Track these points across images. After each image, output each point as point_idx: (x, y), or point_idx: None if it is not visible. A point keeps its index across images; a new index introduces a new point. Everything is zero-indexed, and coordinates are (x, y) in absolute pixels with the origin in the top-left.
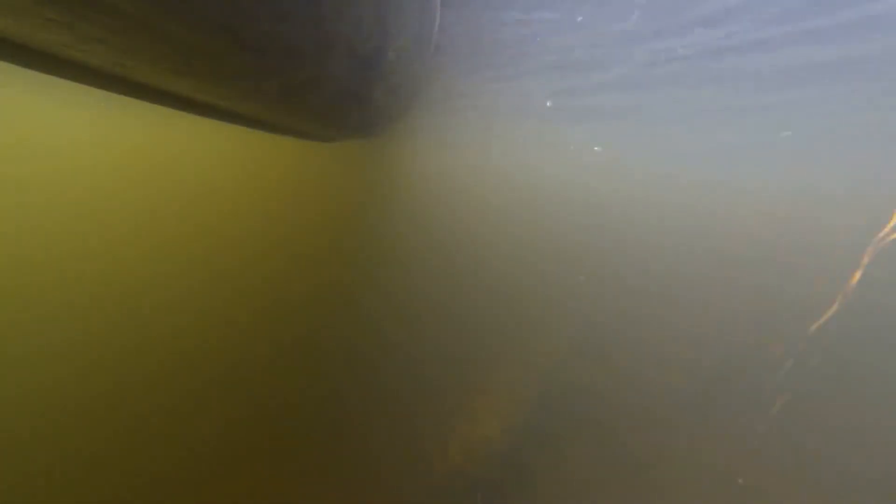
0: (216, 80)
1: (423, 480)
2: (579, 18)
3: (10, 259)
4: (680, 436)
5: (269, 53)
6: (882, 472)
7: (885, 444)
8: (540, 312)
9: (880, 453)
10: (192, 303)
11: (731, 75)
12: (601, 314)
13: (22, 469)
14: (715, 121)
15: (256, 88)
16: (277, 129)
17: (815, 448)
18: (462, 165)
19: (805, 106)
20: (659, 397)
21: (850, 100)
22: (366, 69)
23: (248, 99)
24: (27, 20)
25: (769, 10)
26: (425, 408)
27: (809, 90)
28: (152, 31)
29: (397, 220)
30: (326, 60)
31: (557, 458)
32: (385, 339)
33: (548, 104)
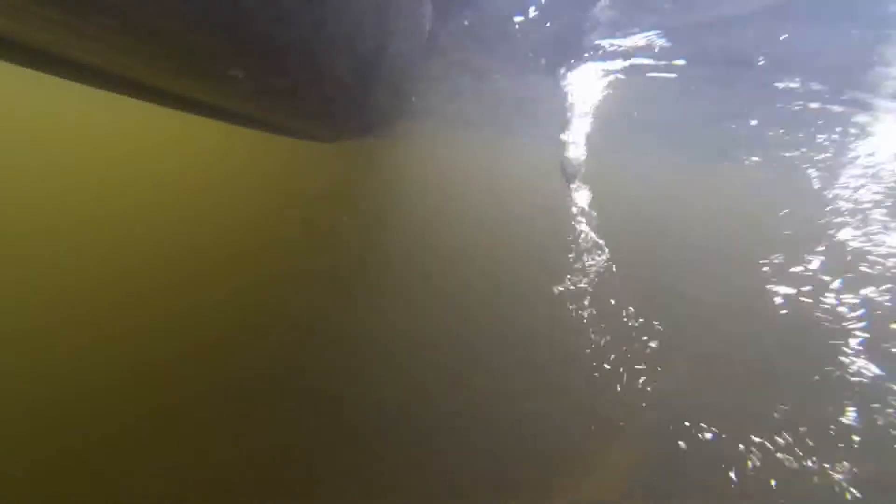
0: (216, 80)
1: None
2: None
3: (10, 251)
4: None
5: (268, 54)
6: None
7: None
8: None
9: None
10: (189, 302)
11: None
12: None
13: None
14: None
15: (256, 88)
16: (277, 129)
17: None
18: (462, 166)
19: None
20: None
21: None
22: (366, 70)
23: (248, 99)
24: (27, 20)
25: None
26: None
27: None
28: (152, 31)
29: (397, 220)
30: (327, 61)
31: None
32: (389, 339)
33: (549, 107)
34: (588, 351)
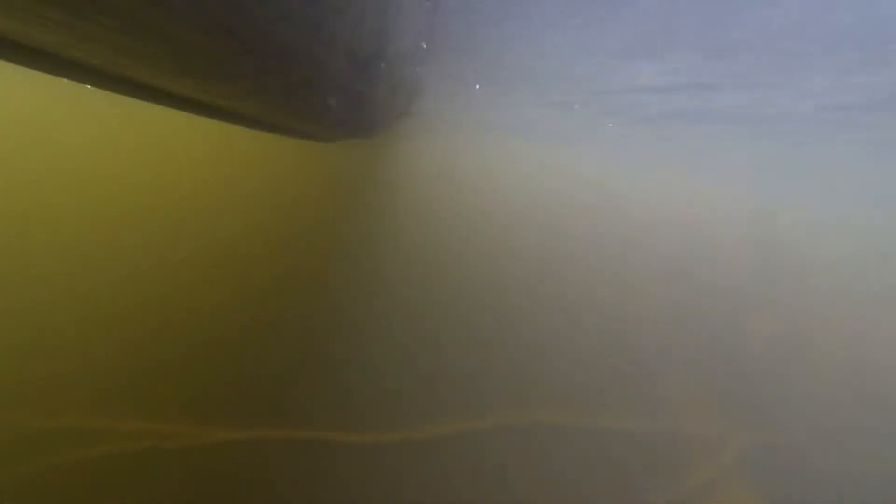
0: (216, 80)
1: None
2: (577, 31)
3: (11, 250)
4: None
5: (268, 54)
6: None
7: None
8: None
9: None
10: (189, 302)
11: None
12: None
13: None
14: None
15: (256, 88)
16: (277, 129)
17: None
18: (461, 166)
19: None
20: None
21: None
22: (365, 70)
23: (248, 99)
24: (28, 20)
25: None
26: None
27: None
28: (152, 31)
29: (396, 220)
30: (326, 61)
31: None
32: (390, 342)
33: (548, 110)
34: (586, 355)
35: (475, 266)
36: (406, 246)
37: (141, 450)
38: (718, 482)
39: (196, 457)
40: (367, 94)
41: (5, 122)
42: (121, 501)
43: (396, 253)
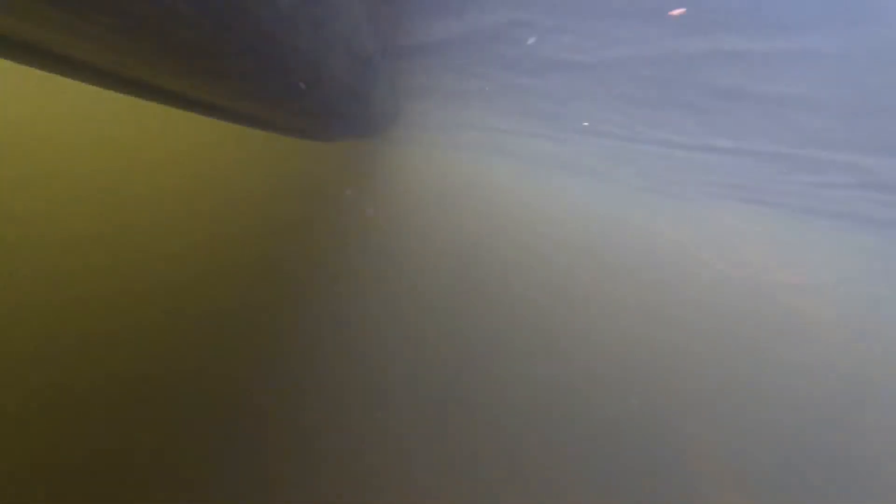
0: (216, 80)
1: None
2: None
3: (13, 248)
4: None
5: (268, 54)
6: None
7: None
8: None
9: None
10: (190, 301)
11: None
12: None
13: None
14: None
15: (256, 88)
16: (277, 129)
17: None
18: (460, 166)
19: None
20: None
21: None
22: (365, 69)
23: (249, 99)
24: (27, 19)
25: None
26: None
27: None
28: (152, 30)
29: (395, 220)
30: (326, 61)
31: None
32: (384, 347)
33: (547, 110)
34: (580, 357)
35: (468, 266)
36: (403, 245)
37: None
38: None
39: None
40: (367, 94)
41: (8, 119)
42: None
43: (394, 252)
